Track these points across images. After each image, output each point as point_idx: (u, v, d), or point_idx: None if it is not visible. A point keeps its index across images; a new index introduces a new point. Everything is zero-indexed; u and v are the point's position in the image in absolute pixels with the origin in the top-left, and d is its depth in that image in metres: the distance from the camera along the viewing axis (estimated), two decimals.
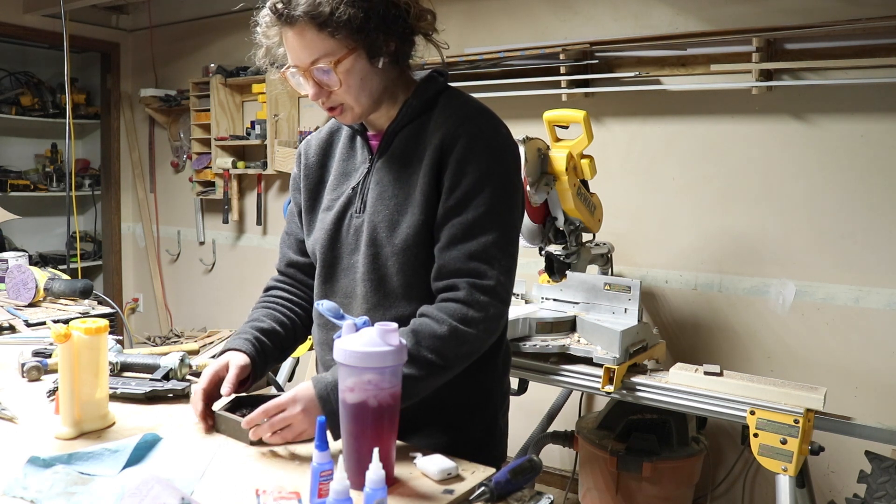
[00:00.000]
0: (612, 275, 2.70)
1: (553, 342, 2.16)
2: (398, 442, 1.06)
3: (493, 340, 1.24)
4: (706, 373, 1.98)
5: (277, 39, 1.22)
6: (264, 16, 1.21)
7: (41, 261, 4.78)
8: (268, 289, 1.49)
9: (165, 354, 1.48)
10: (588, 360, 2.10)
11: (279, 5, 1.16)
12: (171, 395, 1.37)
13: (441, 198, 1.20)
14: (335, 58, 1.16)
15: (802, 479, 2.06)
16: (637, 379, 2.05)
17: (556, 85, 2.91)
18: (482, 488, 0.99)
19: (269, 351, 1.35)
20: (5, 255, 2.55)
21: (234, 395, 1.30)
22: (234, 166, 4.12)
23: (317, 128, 3.72)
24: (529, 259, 2.50)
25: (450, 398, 1.25)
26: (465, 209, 1.18)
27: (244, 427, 1.13)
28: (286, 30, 1.18)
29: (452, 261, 1.18)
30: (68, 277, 2.43)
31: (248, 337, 1.34)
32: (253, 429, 1.13)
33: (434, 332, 1.15)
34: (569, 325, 2.26)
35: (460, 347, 1.16)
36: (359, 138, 1.33)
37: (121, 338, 1.87)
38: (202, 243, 4.62)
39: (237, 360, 1.27)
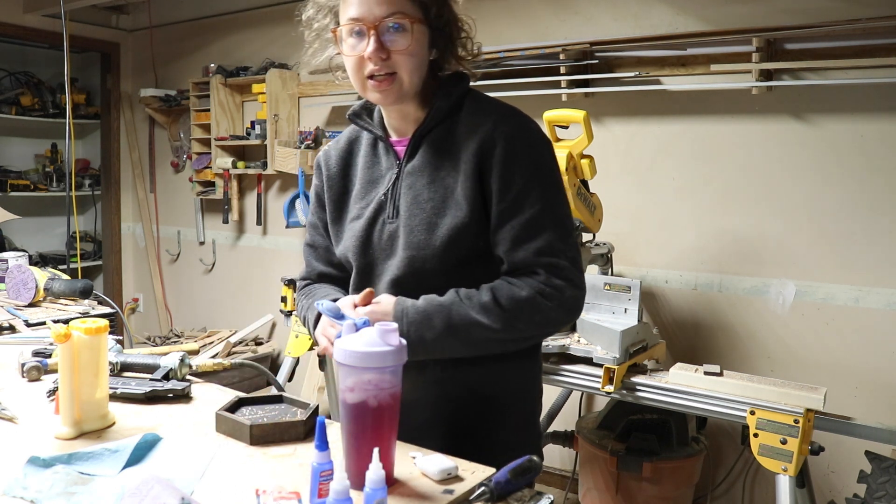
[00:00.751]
0: (612, 275, 2.70)
1: (553, 342, 2.17)
2: (398, 442, 1.06)
3: (569, 322, 1.26)
4: (706, 373, 1.98)
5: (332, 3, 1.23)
6: None
7: (41, 261, 4.78)
8: (302, 287, 1.48)
9: (165, 354, 1.48)
10: (588, 360, 2.11)
11: None
12: (171, 395, 1.37)
13: (493, 201, 1.21)
14: (411, 18, 1.18)
15: (802, 479, 2.06)
16: (637, 379, 2.05)
17: (556, 85, 2.91)
18: (482, 488, 0.98)
19: None
20: (5, 255, 2.55)
21: (235, 396, 1.30)
22: (234, 166, 4.12)
23: (316, 127, 3.73)
24: None
25: (492, 394, 1.29)
26: (520, 210, 1.20)
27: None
28: None
29: (524, 260, 1.21)
30: (68, 277, 2.43)
31: (331, 292, 1.37)
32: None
33: (513, 293, 1.18)
34: (569, 325, 2.26)
35: (534, 315, 1.18)
36: (381, 144, 1.33)
37: (121, 338, 1.87)
38: (202, 243, 4.62)
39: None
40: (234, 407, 1.25)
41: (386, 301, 1.20)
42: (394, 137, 1.32)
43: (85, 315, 2.22)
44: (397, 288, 1.27)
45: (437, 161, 1.25)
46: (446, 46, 1.26)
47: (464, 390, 1.29)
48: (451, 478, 1.04)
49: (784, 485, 1.82)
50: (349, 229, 1.33)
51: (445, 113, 1.27)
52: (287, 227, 3.89)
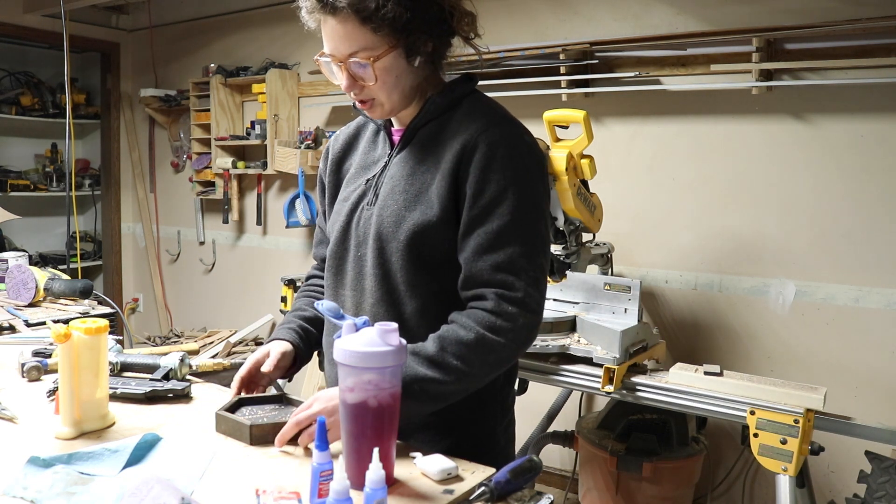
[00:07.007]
0: (612, 275, 2.70)
1: (553, 342, 2.16)
2: (398, 442, 1.06)
3: (524, 351, 1.22)
4: (706, 373, 1.98)
5: (315, 25, 1.20)
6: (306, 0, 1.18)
7: (41, 261, 4.78)
8: (308, 277, 1.56)
9: (165, 354, 1.48)
10: (588, 360, 2.10)
11: None
12: (171, 395, 1.37)
13: (465, 206, 1.18)
14: (374, 53, 1.15)
15: (802, 479, 2.06)
16: (637, 379, 2.05)
17: (556, 85, 2.91)
18: (482, 488, 0.98)
19: (312, 336, 1.42)
20: (5, 255, 2.55)
21: (236, 397, 1.30)
22: (234, 166, 4.12)
23: (316, 127, 3.73)
24: None
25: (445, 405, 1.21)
26: (489, 218, 1.16)
27: (278, 446, 1.13)
28: (327, 17, 1.15)
29: (479, 272, 1.17)
30: (68, 277, 2.43)
31: (291, 326, 1.41)
32: (279, 437, 1.14)
33: (460, 339, 1.14)
34: (569, 325, 2.26)
35: (487, 356, 1.15)
36: (382, 132, 1.33)
37: (121, 338, 1.87)
38: (202, 243, 4.62)
39: (278, 347, 1.36)
40: (234, 407, 1.25)
41: (323, 391, 1.16)
42: (395, 126, 1.32)
43: (85, 315, 2.22)
44: (369, 278, 1.25)
45: (422, 155, 1.24)
46: (434, 39, 1.21)
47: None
48: (451, 478, 1.04)
49: (784, 485, 1.82)
50: (336, 211, 1.34)
51: (441, 109, 1.25)
52: (287, 227, 3.89)
